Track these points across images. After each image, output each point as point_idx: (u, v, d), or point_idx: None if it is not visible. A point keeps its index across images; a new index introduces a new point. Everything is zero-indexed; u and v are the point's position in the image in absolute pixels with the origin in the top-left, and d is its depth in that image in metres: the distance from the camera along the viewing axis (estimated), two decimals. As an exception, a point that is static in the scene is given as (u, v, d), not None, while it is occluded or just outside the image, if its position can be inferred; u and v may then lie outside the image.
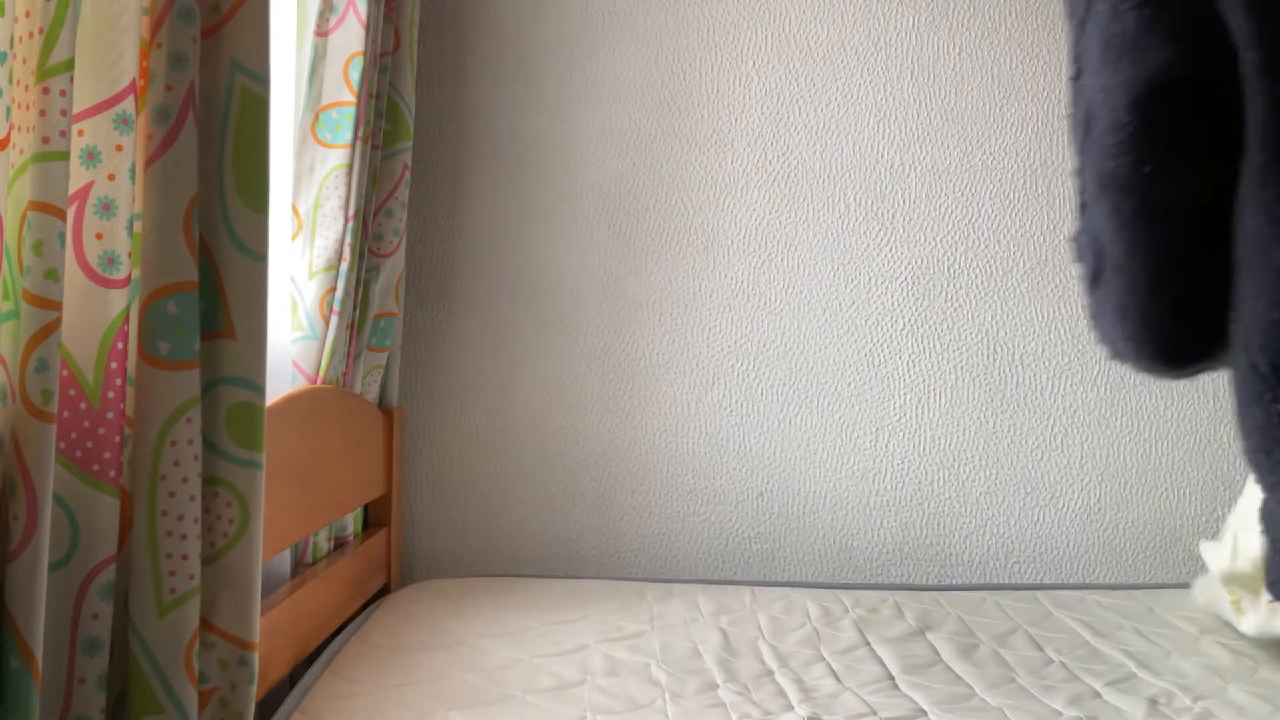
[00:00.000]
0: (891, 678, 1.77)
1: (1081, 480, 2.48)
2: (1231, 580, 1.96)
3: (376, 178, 2.15)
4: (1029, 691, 1.72)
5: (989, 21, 2.46)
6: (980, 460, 2.47)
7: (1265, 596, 1.66)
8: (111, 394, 1.19)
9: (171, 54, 1.24)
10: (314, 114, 1.98)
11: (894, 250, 2.46)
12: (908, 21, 2.46)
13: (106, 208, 1.17)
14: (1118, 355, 0.70)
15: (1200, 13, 0.63)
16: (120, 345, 1.20)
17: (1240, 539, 1.96)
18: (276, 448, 1.59)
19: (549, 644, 1.87)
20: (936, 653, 1.89)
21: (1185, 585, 2.35)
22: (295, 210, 2.00)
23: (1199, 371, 0.69)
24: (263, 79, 1.31)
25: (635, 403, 2.46)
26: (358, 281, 2.09)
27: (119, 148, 1.18)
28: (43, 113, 1.06)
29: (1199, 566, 2.49)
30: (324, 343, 1.98)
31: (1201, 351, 0.67)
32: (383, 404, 2.30)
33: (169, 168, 1.23)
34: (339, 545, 2.11)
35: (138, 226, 1.24)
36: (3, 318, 1.08)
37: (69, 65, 1.07)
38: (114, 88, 1.17)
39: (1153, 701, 1.66)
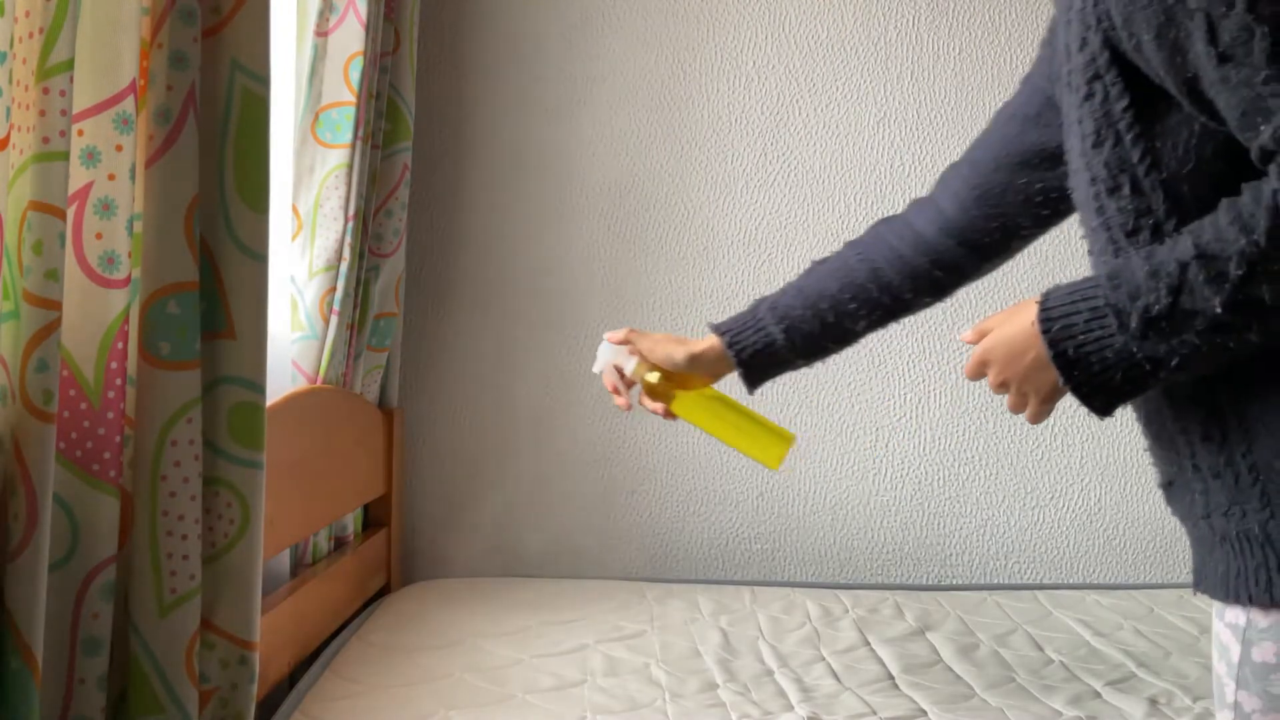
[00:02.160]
0: (891, 678, 1.77)
1: (1081, 480, 2.48)
2: None
3: (376, 178, 2.15)
4: (1029, 691, 1.72)
5: (989, 21, 2.46)
6: (980, 460, 2.47)
7: None
8: (112, 394, 1.19)
9: (172, 54, 1.24)
10: (314, 114, 1.98)
11: (894, 250, 2.46)
12: (908, 21, 2.46)
13: (106, 208, 1.17)
14: None
15: None
16: (120, 345, 1.20)
17: None
18: (277, 448, 1.59)
19: (549, 644, 1.87)
20: (936, 653, 1.89)
21: (1185, 585, 2.35)
22: (295, 210, 2.00)
23: None
24: (263, 79, 1.31)
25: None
26: (358, 281, 2.09)
27: (119, 148, 1.18)
28: (43, 113, 1.06)
29: (1199, 566, 2.49)
30: (324, 343, 1.98)
31: None
32: (383, 404, 2.30)
33: (169, 168, 1.23)
34: (339, 545, 2.11)
35: (138, 226, 1.24)
36: (3, 318, 1.08)
37: (69, 65, 1.07)
38: (114, 88, 1.17)
39: (1153, 701, 1.66)
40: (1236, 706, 0.90)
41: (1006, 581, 2.46)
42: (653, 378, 1.35)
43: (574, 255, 2.46)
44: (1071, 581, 2.46)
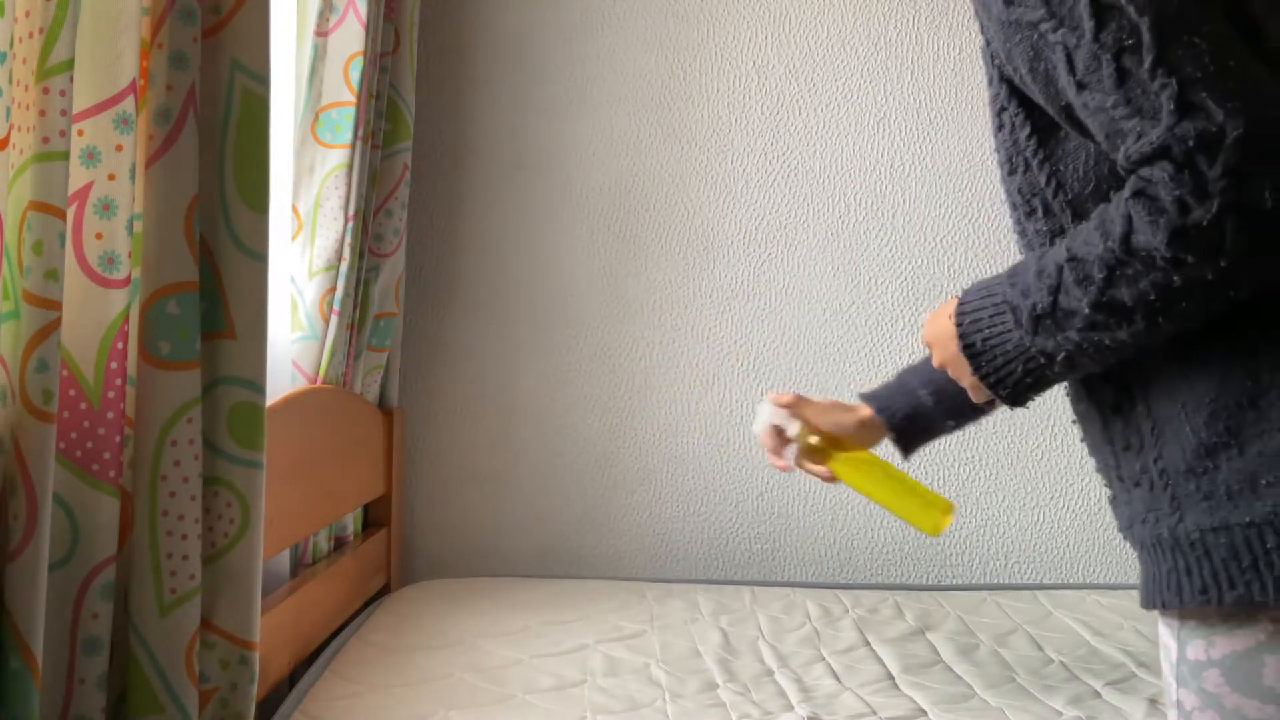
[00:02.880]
0: (891, 678, 1.77)
1: (1081, 480, 2.47)
2: None
3: (376, 178, 2.15)
4: (1029, 691, 1.72)
5: (989, 21, 2.46)
6: (980, 460, 2.47)
7: None
8: (111, 394, 1.19)
9: (172, 54, 1.24)
10: (314, 114, 1.98)
11: (894, 250, 2.46)
12: (908, 21, 2.46)
13: (106, 208, 1.17)
14: None
15: None
16: (120, 345, 1.20)
17: None
18: (276, 448, 1.59)
19: (549, 644, 1.87)
20: (936, 653, 1.89)
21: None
22: (295, 210, 2.00)
23: None
24: (263, 79, 1.31)
25: (635, 403, 2.46)
26: (358, 281, 2.09)
27: (119, 148, 1.18)
28: (43, 113, 1.06)
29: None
30: (324, 343, 1.98)
31: None
32: (383, 404, 2.30)
33: (169, 168, 1.23)
34: (339, 545, 2.11)
35: (138, 226, 1.24)
36: (3, 318, 1.08)
37: (69, 65, 1.07)
38: (114, 88, 1.17)
39: (1153, 701, 1.66)
40: (1179, 705, 0.92)
41: (1006, 581, 2.46)
42: (814, 440, 1.39)
43: (574, 255, 2.46)
44: (1071, 581, 2.46)
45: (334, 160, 1.98)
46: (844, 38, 2.46)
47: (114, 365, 1.19)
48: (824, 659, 1.85)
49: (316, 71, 1.98)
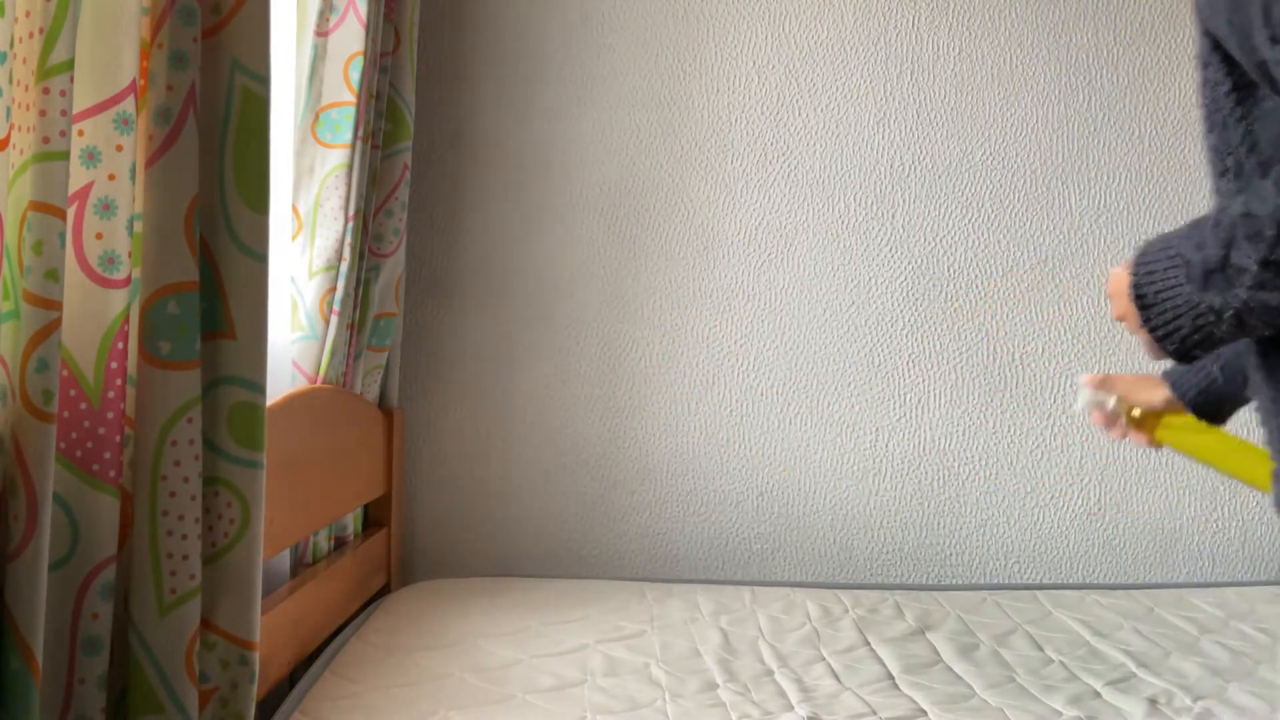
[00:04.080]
0: (891, 678, 1.77)
1: (1081, 480, 2.48)
2: None
3: (376, 178, 2.15)
4: (1029, 691, 1.72)
5: (989, 21, 2.46)
6: (980, 460, 2.47)
7: None
8: (111, 394, 1.19)
9: (172, 54, 1.24)
10: (314, 114, 1.98)
11: (894, 250, 2.46)
12: (908, 21, 2.46)
13: (106, 208, 1.17)
14: None
15: None
16: (120, 345, 1.20)
17: None
18: (276, 448, 1.59)
19: (549, 644, 1.87)
20: (936, 653, 1.89)
21: (1185, 585, 2.35)
22: (295, 210, 2.00)
23: None
24: (263, 79, 1.31)
25: (635, 403, 2.46)
26: (358, 281, 2.09)
27: (119, 148, 1.18)
28: (43, 113, 1.06)
29: (1199, 567, 2.50)
30: (324, 343, 1.98)
31: None
32: (383, 404, 2.30)
33: (169, 168, 1.23)
34: (339, 545, 2.11)
35: (138, 226, 1.25)
36: (3, 318, 1.08)
37: (69, 65, 1.07)
38: (114, 88, 1.17)
39: (1153, 701, 1.66)
40: None
41: (1006, 581, 2.46)
42: (1136, 413, 1.44)
43: (574, 255, 2.46)
44: (1071, 581, 2.46)
45: (334, 160, 1.98)
46: (844, 38, 2.46)
47: (114, 365, 1.19)
48: (824, 659, 1.85)
49: (316, 71, 1.98)
